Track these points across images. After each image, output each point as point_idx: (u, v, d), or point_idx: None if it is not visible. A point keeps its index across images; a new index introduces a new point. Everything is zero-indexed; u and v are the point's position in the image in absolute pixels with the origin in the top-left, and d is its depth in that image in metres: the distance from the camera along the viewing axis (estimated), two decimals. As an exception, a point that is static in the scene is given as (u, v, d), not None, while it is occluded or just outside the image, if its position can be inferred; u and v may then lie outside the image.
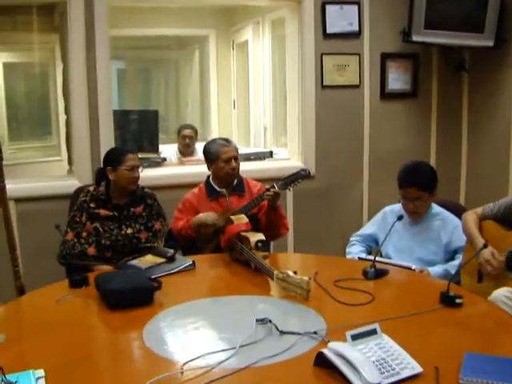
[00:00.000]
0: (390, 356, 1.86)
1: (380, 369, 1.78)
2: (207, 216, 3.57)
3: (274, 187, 3.46)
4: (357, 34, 4.76)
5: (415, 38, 4.60)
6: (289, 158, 5.15)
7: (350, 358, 1.77)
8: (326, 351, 1.85)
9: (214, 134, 7.24)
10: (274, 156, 5.28)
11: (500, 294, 2.66)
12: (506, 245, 2.89)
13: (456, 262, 3.27)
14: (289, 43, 4.96)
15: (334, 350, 1.83)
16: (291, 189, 3.59)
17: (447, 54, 4.98)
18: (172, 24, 6.99)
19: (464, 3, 4.54)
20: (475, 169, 5.14)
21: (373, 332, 1.97)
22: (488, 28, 4.53)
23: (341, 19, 4.69)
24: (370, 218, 4.73)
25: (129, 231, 3.46)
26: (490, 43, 4.58)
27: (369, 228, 3.64)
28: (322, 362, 1.86)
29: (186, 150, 5.84)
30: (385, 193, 4.76)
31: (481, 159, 5.07)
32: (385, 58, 4.87)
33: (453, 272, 3.17)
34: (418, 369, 1.82)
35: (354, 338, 1.92)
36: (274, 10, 5.76)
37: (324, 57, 4.70)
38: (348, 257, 3.51)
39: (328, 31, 4.67)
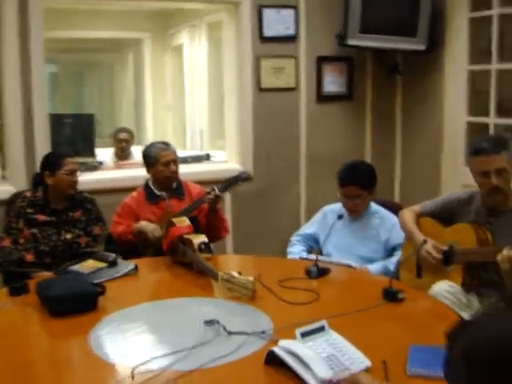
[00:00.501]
0: (339, 352, 1.89)
1: (330, 364, 1.81)
2: (147, 227, 3.51)
3: (215, 190, 3.45)
4: (293, 38, 4.80)
5: (350, 42, 4.68)
6: (226, 160, 5.15)
7: (300, 354, 1.79)
8: (276, 349, 1.87)
9: (150, 137, 7.19)
10: (211, 159, 5.28)
11: (440, 287, 2.74)
12: (442, 240, 2.97)
13: (394, 259, 3.34)
14: (226, 46, 4.97)
15: (285, 347, 1.85)
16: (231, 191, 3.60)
17: (381, 58, 5.08)
18: (107, 27, 6.91)
19: (397, 8, 4.64)
20: (409, 168, 5.26)
21: (321, 329, 2.00)
22: (420, 32, 4.64)
23: (277, 23, 4.72)
24: (307, 218, 4.79)
25: (68, 236, 3.39)
26: (423, 47, 4.69)
27: (309, 228, 3.67)
28: (272, 360, 1.88)
29: (122, 154, 5.79)
30: (321, 193, 4.84)
31: (414, 158, 5.19)
32: (321, 61, 4.92)
33: (392, 268, 3.25)
34: (367, 363, 1.86)
35: (304, 335, 1.94)
36: (211, 14, 5.77)
37: (261, 60, 4.72)
38: (289, 257, 3.54)
39: (265, 35, 4.68)
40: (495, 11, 4.46)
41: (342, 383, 1.68)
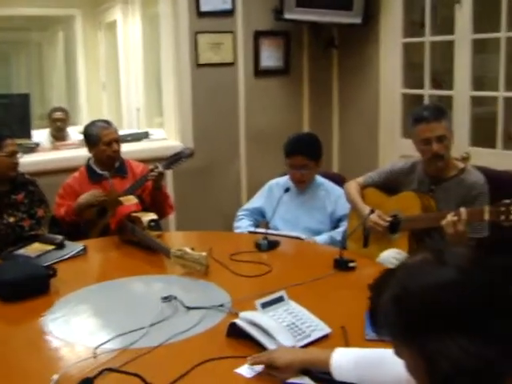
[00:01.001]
0: (299, 320, 1.93)
1: (293, 333, 1.85)
2: (90, 195, 3.47)
3: (158, 167, 3.44)
4: (230, 12, 4.77)
5: (287, 16, 4.69)
6: (166, 138, 5.11)
7: (263, 324, 1.82)
8: (238, 321, 1.89)
9: (84, 116, 7.05)
10: (150, 137, 5.23)
11: (388, 255, 2.82)
12: (387, 210, 3.05)
13: (340, 229, 3.42)
14: (162, 22, 4.90)
15: (247, 318, 1.88)
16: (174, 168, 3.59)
17: (317, 31, 5.11)
18: (34, 3, 6.68)
19: (333, -19, 4.68)
20: (347, 140, 5.35)
21: (280, 299, 2.03)
22: (356, 6, 4.70)
23: (214, -3, 4.68)
24: (248, 193, 4.82)
25: (11, 220, 3.32)
26: (358, 20, 4.75)
27: (255, 202, 3.70)
28: (234, 332, 1.90)
29: (58, 134, 5.66)
30: (262, 167, 4.88)
31: (352, 130, 5.28)
32: (258, 35, 4.92)
33: (338, 238, 3.33)
34: (327, 329, 1.91)
35: (264, 305, 1.97)
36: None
37: (198, 35, 4.68)
38: (237, 231, 3.56)
39: (202, 9, 4.64)
40: (428, -16, 4.56)
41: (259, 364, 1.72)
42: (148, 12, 5.87)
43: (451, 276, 1.11)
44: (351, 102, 5.22)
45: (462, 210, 2.64)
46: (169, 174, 4.71)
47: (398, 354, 1.20)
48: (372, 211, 2.98)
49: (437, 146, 2.86)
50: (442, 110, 2.95)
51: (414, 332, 1.12)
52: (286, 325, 1.89)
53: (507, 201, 2.51)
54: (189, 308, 2.15)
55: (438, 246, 1.21)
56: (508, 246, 2.34)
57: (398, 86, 4.86)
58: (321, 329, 1.91)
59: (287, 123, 5.17)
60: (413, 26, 5.04)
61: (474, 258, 1.17)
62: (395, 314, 1.14)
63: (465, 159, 4.25)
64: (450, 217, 2.63)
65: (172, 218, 4.83)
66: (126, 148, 4.24)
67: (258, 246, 2.94)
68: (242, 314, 1.91)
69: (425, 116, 2.88)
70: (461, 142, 4.25)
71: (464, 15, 4.36)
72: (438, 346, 1.08)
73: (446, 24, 4.73)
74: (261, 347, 1.79)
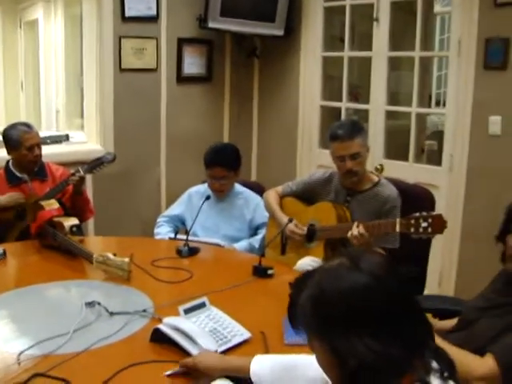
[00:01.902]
0: (220, 325, 2.01)
1: (214, 338, 1.92)
2: (9, 197, 3.43)
3: (79, 171, 3.43)
4: (155, 18, 4.80)
5: (211, 25, 4.78)
6: (86, 141, 5.08)
7: (186, 330, 1.89)
8: (161, 326, 1.94)
9: (1, 117, 6.88)
10: (70, 139, 5.18)
11: (305, 263, 2.93)
12: (305, 219, 3.17)
13: (259, 237, 3.51)
14: (86, 24, 4.88)
15: (170, 324, 1.93)
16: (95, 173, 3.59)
17: (240, 41, 5.22)
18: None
19: (257, -6, 4.79)
20: (266, 149, 5.47)
21: (202, 305, 2.11)
22: (279, 18, 4.83)
23: (139, 2, 4.68)
24: (168, 199, 4.85)
25: None
26: (280, 32, 4.89)
27: (175, 209, 3.74)
28: (157, 337, 1.95)
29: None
30: (182, 174, 4.92)
31: (271, 140, 5.40)
32: (181, 42, 4.97)
33: (256, 245, 3.42)
34: (247, 334, 2.00)
35: (186, 311, 2.04)
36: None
37: (122, 40, 4.68)
38: (157, 237, 3.59)
39: (126, 14, 4.64)
40: (348, 1, 4.74)
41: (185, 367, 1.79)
42: (71, 12, 5.81)
43: (365, 281, 1.23)
44: (271, 111, 5.35)
45: (365, 224, 2.80)
46: (88, 177, 4.68)
47: (313, 349, 1.31)
48: (290, 220, 3.09)
49: (350, 164, 3.00)
50: (356, 127, 3.08)
51: (326, 330, 1.24)
52: (208, 330, 1.97)
53: (417, 214, 2.67)
54: (112, 313, 2.18)
55: (355, 253, 1.33)
56: (415, 258, 2.50)
57: (317, 98, 5.03)
58: (241, 334, 1.99)
59: (208, 130, 5.25)
60: (332, 40, 5.23)
61: (387, 266, 1.29)
62: (311, 313, 1.26)
63: (379, 171, 4.44)
64: (353, 229, 2.79)
65: (91, 222, 4.80)
66: (45, 151, 4.18)
67: (179, 252, 3.00)
68: (166, 320, 1.97)
69: (339, 134, 3.01)
70: (375, 154, 4.44)
71: (381, 33, 4.56)
72: (347, 344, 1.20)
73: (364, 40, 4.94)
74: (184, 352, 1.85)
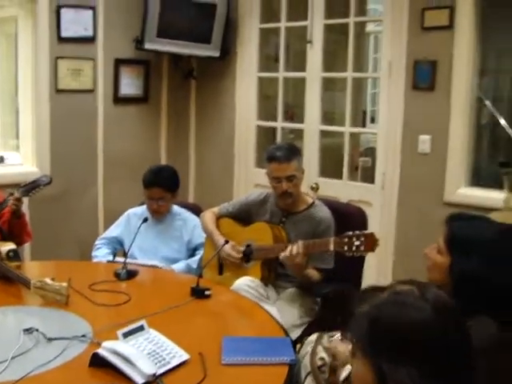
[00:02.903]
0: (159, 348, 2.05)
1: (153, 360, 1.95)
2: None
3: (15, 194, 3.40)
4: (91, 39, 4.79)
5: (148, 46, 4.81)
6: (22, 163, 5.02)
7: (125, 353, 1.91)
8: (100, 351, 1.96)
9: None
10: (4, 161, 5.10)
11: (241, 283, 2.99)
12: (241, 239, 3.23)
13: (196, 258, 3.55)
14: (21, 44, 4.82)
15: (109, 348, 1.96)
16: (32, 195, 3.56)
17: (177, 62, 5.26)
18: None
19: (194, 15, 4.85)
20: (203, 169, 5.51)
21: (141, 328, 2.13)
22: (215, 39, 4.90)
23: (76, 23, 4.67)
24: (106, 221, 4.83)
25: None
26: (216, 54, 4.96)
27: (113, 231, 3.73)
28: (96, 362, 1.97)
29: None
30: (120, 195, 4.91)
31: (208, 160, 5.45)
32: (118, 63, 4.98)
33: (194, 266, 3.46)
34: (186, 356, 2.03)
35: (125, 335, 2.06)
36: (3, 8, 5.52)
37: (58, 60, 4.66)
38: (95, 260, 3.58)
39: (63, 35, 4.63)
40: (283, 23, 4.85)
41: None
42: (5, 30, 5.71)
43: (426, 314, 1.27)
44: (208, 132, 5.40)
45: (299, 243, 2.88)
46: (24, 200, 4.61)
47: (354, 361, 1.35)
48: (226, 242, 3.14)
49: (286, 185, 3.10)
50: (293, 151, 3.19)
51: (376, 351, 1.27)
52: (146, 353, 2.00)
53: (350, 232, 2.76)
54: (50, 339, 2.18)
55: (421, 282, 1.37)
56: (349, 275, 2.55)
57: (253, 118, 5.11)
58: (180, 355, 2.03)
59: (145, 151, 5.26)
60: (268, 60, 5.33)
61: (447, 302, 1.33)
62: (366, 330, 1.29)
63: (314, 189, 4.54)
64: (289, 250, 2.87)
65: (27, 246, 4.72)
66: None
67: (117, 275, 3.01)
68: (104, 344, 1.99)
69: (277, 156, 3.11)
70: (311, 173, 4.54)
71: (315, 54, 4.69)
72: (392, 370, 1.23)
73: (299, 61, 5.05)
74: (123, 376, 1.88)
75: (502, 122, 4.04)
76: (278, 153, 3.12)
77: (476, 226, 1.96)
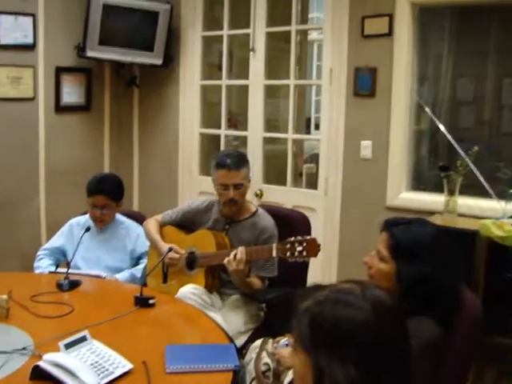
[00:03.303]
0: (102, 358, 2.02)
1: (96, 371, 1.93)
2: None
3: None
4: (31, 46, 4.71)
5: (89, 54, 4.76)
6: (-40, 173, 4.90)
7: (66, 365, 1.88)
8: (41, 363, 1.93)
9: None
10: None
11: (186, 291, 2.98)
12: (184, 247, 3.21)
13: (140, 266, 3.52)
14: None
15: (50, 360, 1.92)
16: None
17: (119, 70, 5.23)
18: None
19: (136, 23, 4.83)
20: (147, 177, 5.48)
21: (83, 339, 2.11)
22: (157, 47, 4.89)
23: (15, 30, 4.59)
24: (48, 231, 4.75)
25: None
26: (159, 61, 4.95)
27: (56, 241, 3.67)
28: (38, 375, 1.93)
29: None
30: (62, 205, 4.84)
31: (152, 168, 5.42)
32: (59, 71, 4.91)
33: (138, 275, 3.43)
34: (129, 366, 2.02)
35: (67, 346, 2.03)
36: None
37: (-3, 69, 4.58)
38: (37, 271, 3.51)
39: (2, 42, 4.53)
40: (225, 31, 4.88)
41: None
42: None
43: (366, 313, 1.28)
44: (152, 140, 5.38)
45: (242, 249, 2.90)
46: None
47: (295, 357, 1.35)
48: (170, 249, 3.13)
49: (233, 193, 3.11)
50: (243, 159, 3.20)
51: (315, 345, 1.28)
52: (89, 364, 1.97)
53: (292, 238, 2.79)
54: (-11, 353, 2.13)
55: (364, 282, 1.38)
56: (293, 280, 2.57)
57: (197, 126, 5.12)
58: (123, 365, 2.01)
59: (88, 160, 5.20)
60: (211, 68, 5.35)
61: (386, 302, 1.35)
62: (306, 325, 1.30)
63: (258, 196, 4.57)
64: (231, 256, 2.88)
65: (-34, 257, 4.63)
66: None
67: (60, 286, 2.96)
68: (46, 356, 1.95)
69: (227, 163, 3.10)
70: (255, 180, 4.57)
71: (257, 62, 4.73)
72: (329, 364, 1.25)
73: (242, 68, 5.09)
74: (66, 388, 1.85)
75: (441, 127, 4.15)
76: (228, 160, 3.12)
77: (415, 231, 2.01)
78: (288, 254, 2.77)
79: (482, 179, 3.81)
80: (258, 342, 2.38)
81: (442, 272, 1.93)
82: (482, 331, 2.04)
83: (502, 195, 3.64)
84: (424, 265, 1.91)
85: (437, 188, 4.03)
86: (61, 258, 3.65)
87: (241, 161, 3.16)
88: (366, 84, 4.18)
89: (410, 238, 1.98)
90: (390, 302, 1.37)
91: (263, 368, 2.16)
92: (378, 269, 2.01)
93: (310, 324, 1.31)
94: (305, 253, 2.74)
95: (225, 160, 3.13)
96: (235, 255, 2.88)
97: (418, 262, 1.91)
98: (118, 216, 3.66)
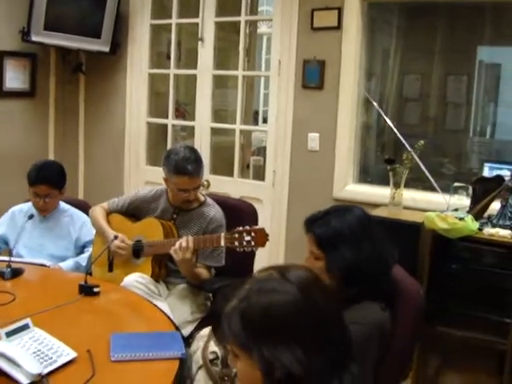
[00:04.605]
0: (45, 347, 1.98)
1: (39, 359, 1.89)
2: None
3: None
4: (-27, 31, 4.59)
5: (34, 38, 4.65)
6: None
7: (8, 354, 1.84)
8: (-18, 352, 1.88)
9: None
10: None
11: (131, 279, 2.94)
12: (131, 235, 3.18)
13: (85, 255, 3.47)
14: None
15: (-9, 348, 1.88)
16: None
17: (65, 56, 5.13)
18: None
19: (83, 9, 4.73)
20: (93, 165, 5.39)
21: (26, 327, 2.06)
22: (104, 34, 4.80)
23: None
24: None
25: None
26: (106, 48, 4.86)
27: (-3, 229, 3.59)
28: (-22, 363, 1.88)
29: None
30: (4, 193, 4.71)
31: (98, 156, 5.33)
32: (3, 55, 4.77)
33: (83, 264, 3.38)
34: (73, 354, 1.99)
35: (9, 334, 1.99)
36: None
37: None
38: (-23, 260, 3.43)
39: None
40: (174, 20, 4.83)
41: None
42: None
43: (292, 294, 1.29)
44: (98, 128, 5.29)
45: (190, 238, 2.89)
46: None
47: (236, 364, 1.34)
48: (116, 237, 3.09)
49: (193, 195, 3.09)
50: (200, 162, 3.13)
51: (255, 341, 1.27)
52: (32, 352, 1.93)
53: (240, 228, 2.79)
54: None
55: (283, 266, 1.38)
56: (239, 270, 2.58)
57: (144, 115, 5.06)
58: (67, 354, 1.97)
59: (32, 147, 5.09)
60: (159, 57, 5.29)
61: (313, 280, 1.35)
62: (239, 325, 1.30)
63: (205, 186, 4.55)
64: (178, 244, 2.87)
65: None
66: None
67: (1, 274, 2.88)
68: (-14, 345, 1.91)
69: (188, 171, 3.03)
70: (202, 171, 4.54)
71: (206, 52, 4.70)
72: (275, 354, 1.25)
73: (190, 58, 5.05)
74: (8, 377, 1.81)
75: (388, 122, 4.20)
76: (189, 167, 3.03)
77: (333, 221, 2.06)
78: (236, 243, 2.77)
79: (427, 173, 3.88)
80: (205, 330, 2.37)
81: (369, 255, 1.99)
82: (423, 316, 2.09)
83: (446, 190, 3.71)
84: (348, 250, 1.97)
85: (383, 181, 4.09)
86: (2, 245, 3.56)
87: (199, 164, 3.10)
88: (314, 76, 4.20)
89: (329, 229, 2.04)
90: (314, 278, 1.38)
91: (211, 356, 2.15)
92: (316, 268, 2.03)
93: (242, 322, 1.31)
94: (253, 242, 2.75)
95: (185, 167, 3.03)
96: (181, 244, 2.86)
97: (342, 249, 1.97)
98: (62, 204, 3.59)
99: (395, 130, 4.08)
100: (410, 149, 3.84)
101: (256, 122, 7.67)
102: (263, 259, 4.00)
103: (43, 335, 2.05)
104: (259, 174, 5.51)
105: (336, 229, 2.02)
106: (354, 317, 1.83)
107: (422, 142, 3.81)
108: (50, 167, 3.55)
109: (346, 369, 1.34)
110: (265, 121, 7.86)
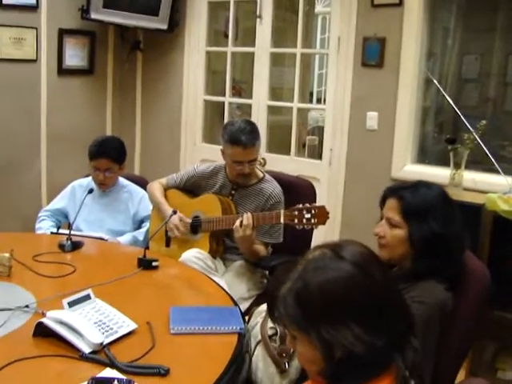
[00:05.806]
0: (106, 317, 2.00)
1: (100, 329, 1.91)
2: None
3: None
4: (34, 7, 4.63)
5: (93, 16, 4.69)
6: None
7: (70, 323, 1.86)
8: (45, 320, 1.91)
9: None
10: None
11: (190, 255, 2.96)
12: (189, 211, 3.19)
13: (143, 230, 3.50)
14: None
15: (54, 317, 1.90)
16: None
17: (123, 34, 5.16)
18: None
19: (142, -13, 4.75)
20: (149, 142, 5.43)
21: (87, 297, 2.09)
22: (162, 12, 4.80)
23: (18, -10, 4.51)
24: (49, 193, 4.73)
25: None
26: (164, 26, 4.87)
27: (58, 203, 3.64)
28: (41, 331, 1.91)
29: None
30: (63, 168, 4.81)
31: (154, 133, 5.37)
32: (62, 33, 4.84)
33: (140, 238, 3.41)
34: (133, 325, 2.00)
35: (71, 304, 2.01)
36: None
37: (0, 28, 4.50)
38: (38, 232, 3.49)
39: (4, 2, 4.45)
40: (232, -3, 4.81)
41: None
42: None
43: (348, 271, 1.26)
44: (155, 105, 5.32)
45: (249, 215, 2.87)
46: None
47: (295, 344, 1.32)
48: (174, 212, 3.09)
49: (248, 168, 3.07)
50: (257, 133, 3.11)
51: (313, 322, 1.25)
52: (93, 322, 1.95)
53: (300, 205, 2.76)
54: (-8, 310, 2.11)
55: (336, 243, 1.35)
56: (297, 248, 2.56)
57: (201, 93, 5.06)
58: (127, 325, 1.99)
59: (90, 124, 5.16)
60: (217, 35, 5.28)
61: (368, 255, 1.33)
62: (295, 307, 1.27)
63: (261, 164, 4.53)
64: (238, 222, 2.85)
65: (-34, 218, 4.60)
66: None
67: (62, 247, 2.93)
68: (49, 313, 1.93)
69: (243, 141, 3.01)
70: (258, 149, 4.52)
71: (264, 29, 4.65)
72: (333, 333, 1.22)
73: (248, 36, 5.02)
74: (69, 345, 1.83)
75: (450, 101, 4.09)
76: (243, 137, 3.02)
77: (423, 192, 2.02)
78: (296, 220, 2.74)
79: (488, 154, 3.77)
80: (263, 306, 2.35)
81: (452, 230, 1.95)
82: (488, 299, 2.04)
83: (506, 172, 3.60)
84: (436, 223, 1.93)
85: (441, 162, 3.99)
86: (62, 219, 3.63)
87: (255, 136, 3.08)
88: (374, 54, 4.11)
89: (419, 198, 2.00)
90: (369, 253, 1.35)
91: (270, 332, 2.14)
92: (391, 236, 2.01)
93: (297, 302, 1.28)
94: (313, 220, 2.72)
95: (240, 137, 3.02)
96: (242, 221, 2.85)
97: (430, 221, 1.94)
98: (121, 179, 3.63)
99: (457, 110, 3.97)
100: (471, 129, 3.74)
101: (310, 103, 7.61)
102: (319, 238, 3.98)
103: (104, 306, 2.07)
104: (314, 154, 5.47)
105: (427, 200, 1.99)
106: (419, 295, 1.80)
107: (484, 122, 3.70)
108: (111, 142, 3.59)
109: (409, 344, 1.31)
110: (319, 101, 7.80)
